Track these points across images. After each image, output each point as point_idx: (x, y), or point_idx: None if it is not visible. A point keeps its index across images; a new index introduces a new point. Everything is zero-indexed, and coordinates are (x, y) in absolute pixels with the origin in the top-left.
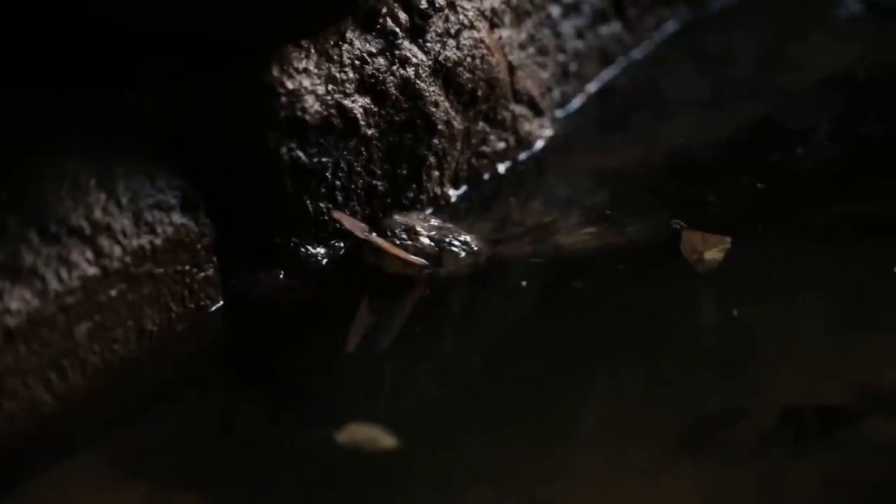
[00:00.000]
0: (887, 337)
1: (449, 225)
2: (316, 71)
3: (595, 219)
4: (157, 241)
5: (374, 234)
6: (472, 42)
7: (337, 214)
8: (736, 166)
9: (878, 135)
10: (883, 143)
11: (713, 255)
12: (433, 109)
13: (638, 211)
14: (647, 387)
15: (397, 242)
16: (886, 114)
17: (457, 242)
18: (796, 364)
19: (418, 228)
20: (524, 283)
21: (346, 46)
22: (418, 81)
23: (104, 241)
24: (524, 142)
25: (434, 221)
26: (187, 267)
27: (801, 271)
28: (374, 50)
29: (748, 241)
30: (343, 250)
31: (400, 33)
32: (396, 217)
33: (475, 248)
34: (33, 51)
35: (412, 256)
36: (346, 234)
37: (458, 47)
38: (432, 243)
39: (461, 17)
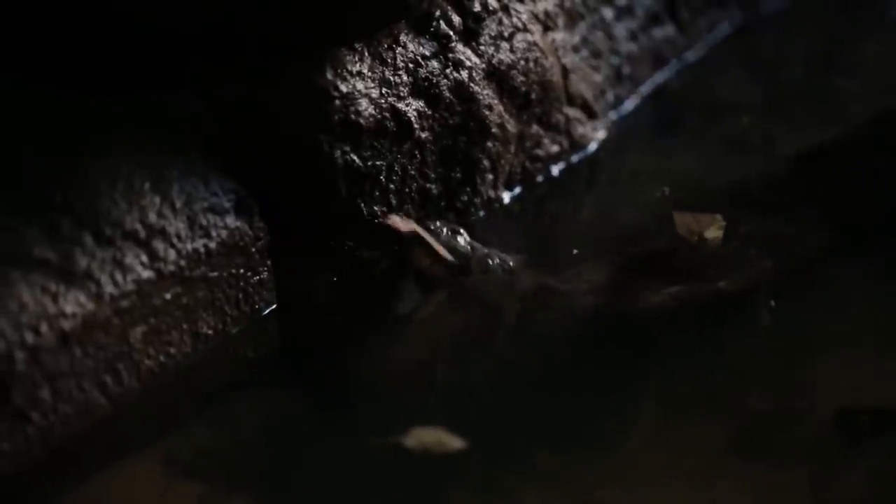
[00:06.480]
0: None
1: (490, 249)
2: (370, 74)
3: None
4: (212, 245)
5: (418, 227)
6: (525, 45)
7: (385, 218)
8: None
9: None
10: None
11: (713, 233)
12: (487, 112)
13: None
14: (699, 390)
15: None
16: None
17: (497, 259)
18: (850, 365)
19: (461, 230)
20: (565, 301)
21: (399, 49)
22: (472, 84)
23: (159, 245)
24: (577, 144)
25: (477, 244)
26: (242, 270)
27: (852, 276)
28: (427, 53)
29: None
30: (397, 253)
31: (453, 36)
32: (438, 223)
33: (511, 265)
34: (82, 50)
35: (445, 252)
36: (397, 235)
37: (511, 50)
38: (468, 247)
39: (514, 20)
